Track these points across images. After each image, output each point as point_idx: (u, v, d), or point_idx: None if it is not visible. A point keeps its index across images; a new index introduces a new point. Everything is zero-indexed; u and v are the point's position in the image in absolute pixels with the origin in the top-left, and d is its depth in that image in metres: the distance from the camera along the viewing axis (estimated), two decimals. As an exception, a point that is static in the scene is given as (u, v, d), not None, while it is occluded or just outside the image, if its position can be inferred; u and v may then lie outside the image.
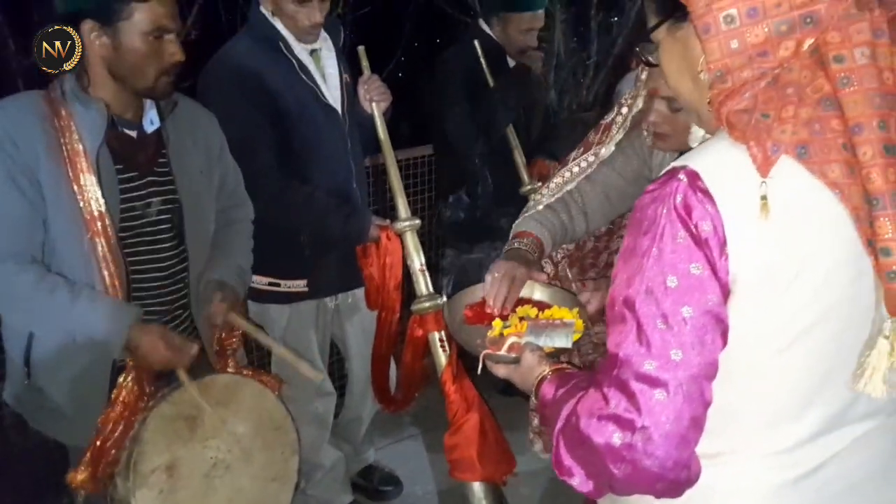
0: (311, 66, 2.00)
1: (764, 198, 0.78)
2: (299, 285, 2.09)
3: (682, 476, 0.82)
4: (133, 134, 1.49)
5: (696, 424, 0.81)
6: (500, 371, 1.14)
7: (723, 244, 0.79)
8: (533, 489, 2.43)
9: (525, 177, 2.39)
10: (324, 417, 2.26)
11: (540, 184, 2.38)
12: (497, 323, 1.30)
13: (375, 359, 2.12)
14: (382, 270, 1.99)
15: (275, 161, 1.93)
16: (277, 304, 2.11)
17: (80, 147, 1.39)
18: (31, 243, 1.40)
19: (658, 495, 0.84)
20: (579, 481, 0.86)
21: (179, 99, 1.57)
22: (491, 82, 2.49)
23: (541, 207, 1.59)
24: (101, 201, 1.40)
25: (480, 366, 1.18)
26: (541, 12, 2.56)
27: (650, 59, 0.95)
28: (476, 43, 2.52)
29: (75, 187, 1.38)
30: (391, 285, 2.00)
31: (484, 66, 2.50)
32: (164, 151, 1.53)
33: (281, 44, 1.94)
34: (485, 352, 1.17)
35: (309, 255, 2.05)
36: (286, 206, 1.93)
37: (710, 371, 0.81)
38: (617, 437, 0.80)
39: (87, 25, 1.37)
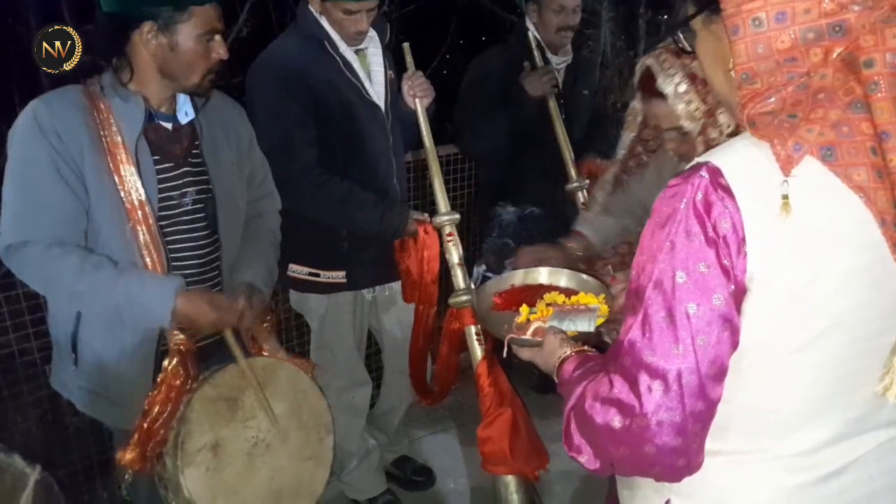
0: (356, 64, 2.03)
1: (785, 197, 0.78)
2: (338, 276, 2.12)
3: (680, 463, 0.83)
4: (168, 126, 1.53)
5: (696, 417, 0.81)
6: (525, 354, 1.17)
7: (741, 242, 0.79)
8: (565, 488, 2.41)
9: (573, 173, 2.37)
10: (359, 406, 2.30)
11: (588, 181, 2.37)
12: (524, 309, 1.33)
13: (413, 352, 2.15)
14: (420, 264, 2.01)
15: (317, 156, 1.96)
16: (316, 293, 2.15)
17: (120, 139, 1.43)
18: (75, 231, 1.44)
19: (657, 479, 0.87)
20: (587, 459, 0.89)
21: (212, 92, 1.60)
22: (540, 63, 2.48)
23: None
24: (141, 191, 1.44)
25: (506, 349, 1.21)
26: None
27: (685, 46, 0.95)
28: (530, 33, 2.51)
29: (116, 178, 1.43)
30: (428, 279, 2.01)
31: (535, 53, 2.49)
32: (198, 143, 1.57)
33: (326, 42, 1.98)
34: (509, 335, 1.20)
35: (348, 247, 2.09)
36: (326, 199, 1.96)
37: (714, 369, 0.81)
38: (617, 421, 0.82)
39: (147, 27, 1.41)
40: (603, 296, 1.36)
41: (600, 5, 4.70)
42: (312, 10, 1.99)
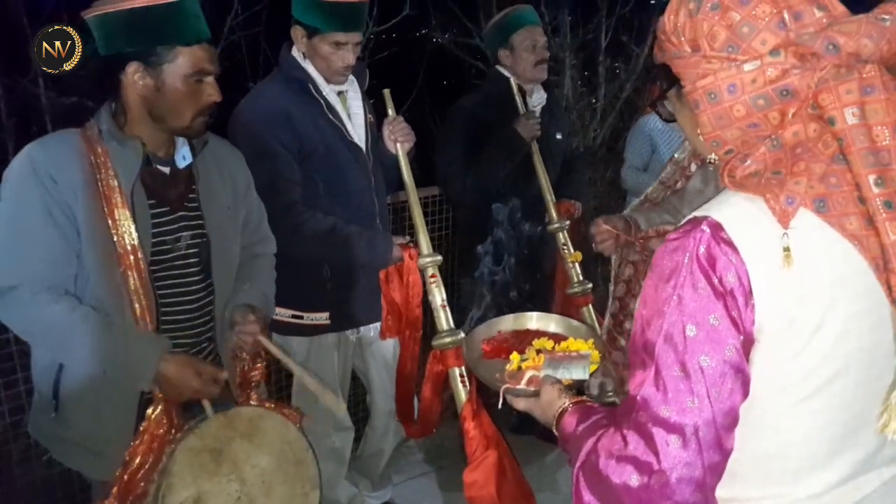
0: (339, 107, 2.06)
1: (787, 249, 0.81)
2: (321, 318, 2.11)
3: None
4: (166, 170, 1.53)
5: (713, 470, 0.81)
6: (520, 405, 1.15)
7: (748, 294, 0.81)
8: (548, 529, 2.40)
9: (554, 214, 2.43)
10: (341, 452, 2.25)
11: (568, 222, 2.42)
12: (515, 356, 1.32)
13: (400, 380, 2.11)
14: (406, 290, 2.00)
15: (300, 197, 1.98)
16: (299, 336, 2.13)
17: (115, 183, 1.42)
18: (63, 275, 1.42)
19: None
20: None
21: (210, 137, 1.61)
22: (522, 109, 2.55)
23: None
24: (135, 235, 1.43)
25: (501, 400, 1.20)
26: (539, 28, 2.63)
27: (664, 116, 1.00)
28: (511, 81, 2.57)
29: (109, 222, 1.41)
30: (413, 304, 2.01)
31: (517, 98, 2.55)
32: (195, 187, 1.57)
33: (310, 85, 2.01)
34: (505, 386, 1.19)
35: (332, 287, 2.08)
36: (312, 233, 1.97)
37: (728, 420, 0.82)
38: (634, 479, 0.82)
39: (132, 67, 1.41)
40: (592, 341, 1.37)
41: (563, 53, 4.88)
42: (296, 54, 2.02)
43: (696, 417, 0.80)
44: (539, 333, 1.45)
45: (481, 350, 1.43)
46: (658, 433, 0.81)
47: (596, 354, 1.32)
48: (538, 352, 1.34)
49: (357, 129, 2.10)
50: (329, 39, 1.95)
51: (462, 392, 1.86)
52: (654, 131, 3.21)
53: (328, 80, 2.04)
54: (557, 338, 1.42)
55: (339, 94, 2.09)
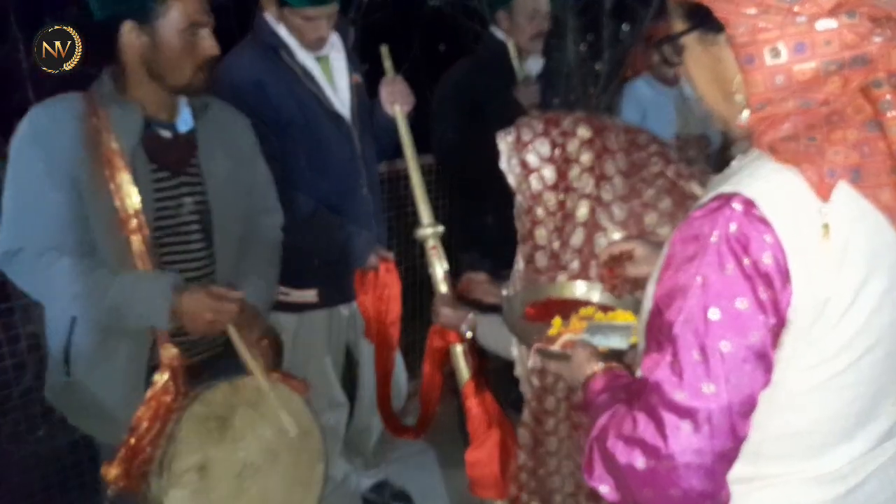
0: (317, 72, 1.96)
1: (826, 225, 0.76)
2: (309, 295, 2.05)
3: None
4: (167, 134, 1.52)
5: (724, 458, 0.79)
6: (552, 367, 1.15)
7: (786, 275, 0.77)
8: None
9: None
10: (335, 429, 2.21)
11: None
12: (556, 321, 1.28)
13: (379, 394, 2.07)
14: (377, 303, 1.95)
15: (279, 172, 1.87)
16: (287, 312, 2.05)
17: (116, 146, 1.42)
18: (71, 238, 1.42)
19: None
20: (608, 490, 0.86)
21: (213, 101, 1.60)
22: (521, 76, 2.44)
23: None
24: (136, 199, 1.43)
25: (531, 360, 1.18)
26: None
27: (669, 57, 0.92)
28: (510, 44, 2.47)
29: (112, 186, 1.41)
30: (388, 320, 1.95)
31: (515, 63, 2.45)
32: (196, 152, 1.55)
33: (283, 51, 1.91)
34: (537, 345, 1.16)
35: (319, 264, 2.00)
36: (289, 216, 1.87)
37: (745, 408, 0.79)
38: (641, 462, 0.80)
39: (127, 27, 1.40)
40: None
41: (565, 15, 4.72)
42: (269, 18, 1.91)
43: (710, 403, 0.77)
44: (588, 303, 1.38)
45: (524, 311, 1.37)
46: (669, 418, 0.78)
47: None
48: (582, 319, 1.30)
49: (340, 94, 1.99)
50: (300, 13, 1.85)
51: (464, 369, 1.80)
52: (643, 97, 3.04)
53: (303, 47, 1.92)
54: (606, 309, 1.36)
55: (320, 58, 1.97)
